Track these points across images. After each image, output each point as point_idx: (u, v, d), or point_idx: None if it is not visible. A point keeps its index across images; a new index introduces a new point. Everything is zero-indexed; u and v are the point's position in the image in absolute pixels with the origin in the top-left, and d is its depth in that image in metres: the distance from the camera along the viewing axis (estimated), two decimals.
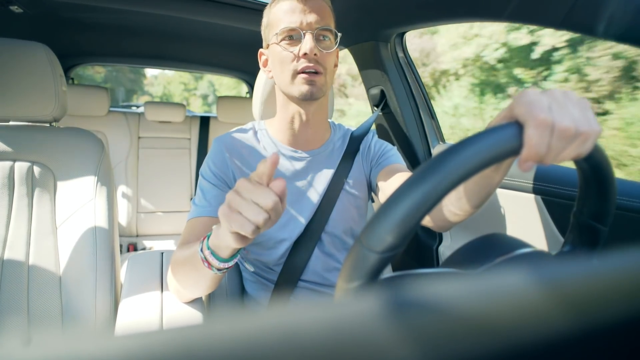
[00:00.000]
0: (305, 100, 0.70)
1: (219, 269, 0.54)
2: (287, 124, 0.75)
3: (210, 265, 0.54)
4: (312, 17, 0.67)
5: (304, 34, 0.67)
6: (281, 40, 0.68)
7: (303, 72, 0.68)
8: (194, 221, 0.69)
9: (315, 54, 0.66)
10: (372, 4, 1.04)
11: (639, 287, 0.19)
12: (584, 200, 0.44)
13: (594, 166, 0.38)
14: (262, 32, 0.75)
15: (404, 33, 1.19)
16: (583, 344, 0.18)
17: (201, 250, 0.55)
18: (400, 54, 1.22)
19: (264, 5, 1.18)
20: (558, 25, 0.68)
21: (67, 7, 1.36)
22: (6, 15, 1.31)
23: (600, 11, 0.60)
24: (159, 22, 1.55)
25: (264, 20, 0.74)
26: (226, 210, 0.45)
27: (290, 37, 0.68)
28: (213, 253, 0.53)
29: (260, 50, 0.77)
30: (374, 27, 1.14)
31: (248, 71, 2.33)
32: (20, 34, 1.26)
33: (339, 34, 0.71)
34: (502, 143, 0.32)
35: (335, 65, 0.75)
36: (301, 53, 0.66)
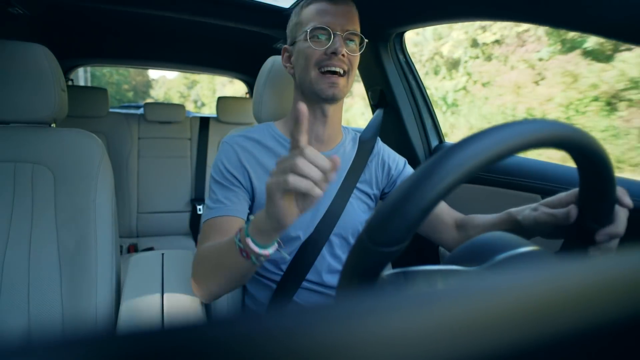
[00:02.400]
0: (326, 100, 0.72)
1: (257, 256, 0.54)
2: None
3: (249, 254, 0.54)
4: (342, 20, 0.70)
5: (334, 35, 0.69)
6: (310, 38, 0.70)
7: (328, 72, 0.70)
8: (212, 221, 0.69)
9: (342, 54, 0.69)
10: (371, 4, 1.04)
11: (638, 286, 0.19)
12: (584, 202, 0.44)
13: (596, 167, 0.38)
14: (289, 31, 0.78)
15: (403, 33, 1.19)
16: (584, 343, 0.18)
17: (239, 240, 0.55)
18: (400, 54, 1.22)
19: (264, 5, 1.18)
20: (558, 24, 0.68)
21: (66, 8, 1.36)
22: (5, 16, 1.31)
23: (600, 10, 0.60)
24: (158, 24, 1.55)
25: (293, 19, 0.76)
26: (277, 173, 0.47)
27: (320, 36, 0.70)
28: (253, 240, 0.54)
29: (285, 46, 0.79)
30: (373, 27, 1.14)
31: (248, 71, 2.33)
32: (19, 35, 1.26)
33: (366, 40, 0.75)
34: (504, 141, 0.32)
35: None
36: (329, 51, 0.69)
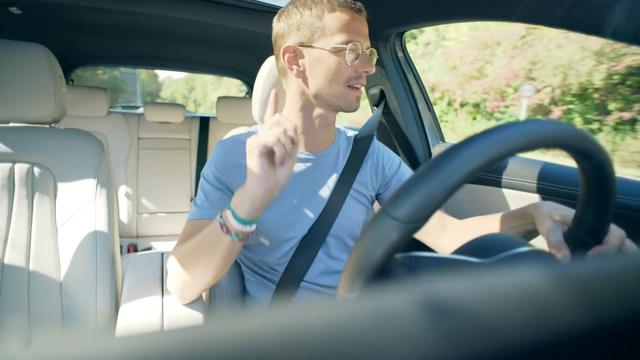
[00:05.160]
0: (348, 111, 0.73)
1: (237, 233, 0.58)
2: (303, 126, 0.75)
3: (229, 229, 0.58)
4: (365, 35, 0.70)
5: (362, 52, 0.69)
6: (339, 50, 0.68)
7: (353, 87, 0.71)
8: (195, 222, 0.69)
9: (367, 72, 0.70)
10: (371, 4, 1.04)
11: (637, 286, 0.19)
12: (582, 216, 0.44)
13: (599, 169, 0.38)
14: (298, 28, 0.71)
15: (403, 33, 1.19)
16: (584, 343, 0.18)
17: (220, 216, 0.59)
18: (400, 54, 1.22)
19: (264, 5, 1.18)
20: (558, 24, 0.68)
21: (66, 8, 1.36)
22: (6, 16, 1.31)
23: (600, 9, 0.60)
24: (158, 23, 1.55)
25: (307, 19, 0.70)
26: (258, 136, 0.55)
27: (350, 50, 0.68)
28: (234, 214, 0.58)
29: (290, 45, 0.72)
30: (373, 26, 1.14)
31: (248, 71, 2.33)
32: (19, 36, 1.26)
33: (376, 56, 0.75)
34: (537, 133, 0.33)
35: None
36: (361, 70, 0.70)
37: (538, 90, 5.28)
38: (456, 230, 0.77)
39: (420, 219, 0.29)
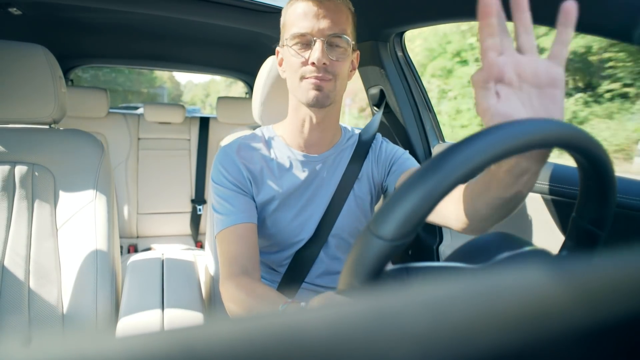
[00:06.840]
0: (311, 106, 0.68)
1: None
2: (298, 126, 0.74)
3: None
4: (324, 23, 0.64)
5: (315, 41, 0.64)
6: (292, 45, 0.66)
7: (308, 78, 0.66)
8: (230, 232, 0.68)
9: (324, 63, 0.64)
10: (371, 4, 1.04)
11: (637, 286, 0.19)
12: (584, 205, 0.44)
13: (597, 167, 0.38)
14: (281, 31, 0.74)
15: (403, 32, 1.19)
16: (584, 343, 0.18)
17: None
18: (400, 54, 1.22)
19: (263, 5, 1.18)
20: (556, 24, 0.68)
21: (66, 8, 1.36)
22: (5, 17, 1.31)
23: (599, 9, 0.60)
24: (158, 23, 1.56)
25: (281, 20, 0.72)
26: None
27: (301, 43, 0.66)
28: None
29: (277, 48, 0.76)
30: (373, 26, 1.14)
31: (248, 71, 2.33)
32: (19, 36, 1.26)
33: (352, 42, 0.69)
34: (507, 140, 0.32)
35: (353, 69, 0.74)
36: (309, 61, 0.65)
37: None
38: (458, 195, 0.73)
39: (404, 236, 0.30)
